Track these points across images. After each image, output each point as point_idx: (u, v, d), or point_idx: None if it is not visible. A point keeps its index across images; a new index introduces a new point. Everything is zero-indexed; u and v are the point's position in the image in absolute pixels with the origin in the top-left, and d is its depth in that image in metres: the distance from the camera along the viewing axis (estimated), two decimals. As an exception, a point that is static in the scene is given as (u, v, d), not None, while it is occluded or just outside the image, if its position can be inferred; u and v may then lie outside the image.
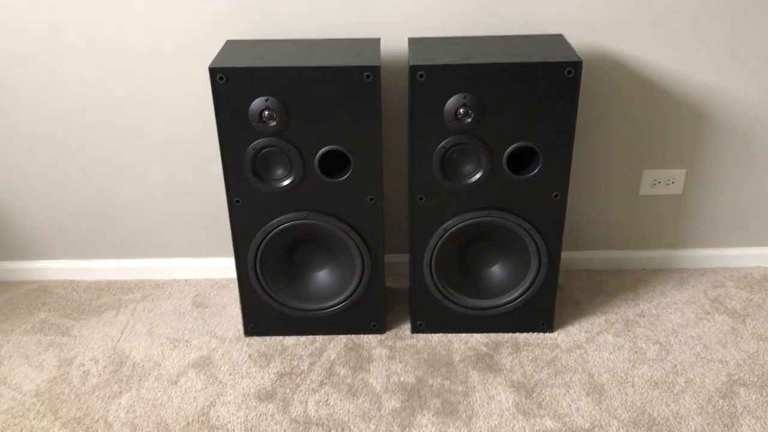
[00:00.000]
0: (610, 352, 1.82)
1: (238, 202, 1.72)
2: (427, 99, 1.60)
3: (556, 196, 1.72)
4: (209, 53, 1.83)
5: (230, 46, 1.72)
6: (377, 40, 1.75)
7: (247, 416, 1.65)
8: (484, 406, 1.66)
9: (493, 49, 1.65)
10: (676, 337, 1.87)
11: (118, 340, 1.91)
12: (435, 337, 1.89)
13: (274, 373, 1.78)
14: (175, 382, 1.76)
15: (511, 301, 1.84)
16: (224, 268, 2.14)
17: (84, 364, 1.83)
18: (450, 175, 1.69)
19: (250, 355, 1.84)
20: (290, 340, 1.89)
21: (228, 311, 2.01)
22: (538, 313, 1.87)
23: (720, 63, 1.85)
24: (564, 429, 1.60)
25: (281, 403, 1.69)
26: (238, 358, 1.83)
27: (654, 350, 1.82)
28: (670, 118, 1.93)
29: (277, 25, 1.81)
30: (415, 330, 1.90)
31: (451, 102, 1.60)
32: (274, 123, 1.62)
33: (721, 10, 1.78)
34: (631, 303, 2.00)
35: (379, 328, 1.90)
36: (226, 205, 2.04)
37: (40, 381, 1.77)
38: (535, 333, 1.89)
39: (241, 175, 1.69)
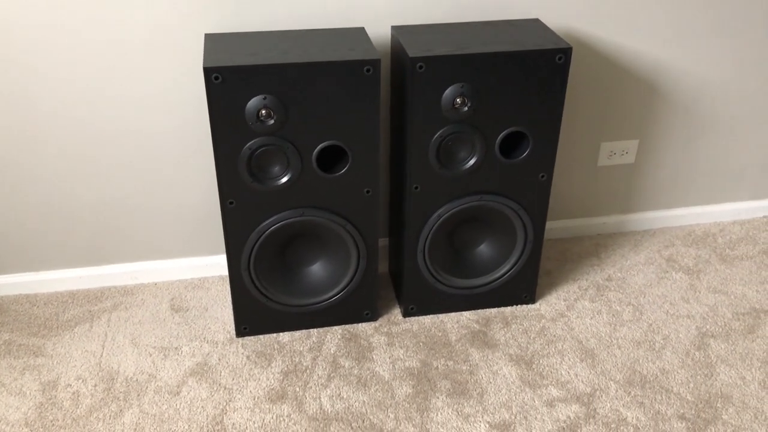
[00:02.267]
0: (591, 318, 1.94)
1: (231, 203, 1.67)
2: (425, 89, 1.61)
3: (542, 176, 1.79)
4: (184, 48, 1.74)
5: (212, 41, 1.64)
6: (362, 29, 1.73)
7: (264, 420, 1.63)
8: (491, 382, 1.74)
9: (484, 37, 1.68)
10: (644, 297, 2.02)
11: (101, 355, 1.81)
12: (427, 319, 1.93)
13: (278, 372, 1.76)
14: (177, 393, 1.70)
15: (499, 278, 1.92)
16: (194, 267, 2.07)
17: (71, 385, 1.72)
18: (445, 163, 1.72)
19: (248, 357, 1.81)
20: (285, 337, 1.87)
21: (211, 313, 1.95)
22: (522, 286, 1.95)
23: (668, 42, 1.98)
24: (569, 396, 1.70)
25: (295, 402, 1.68)
26: (236, 360, 1.79)
27: (628, 312, 1.97)
28: (625, 94, 2.05)
29: (254, 16, 1.74)
30: (407, 314, 1.94)
31: (449, 92, 1.62)
32: (272, 121, 1.57)
33: (673, -10, 1.91)
34: (597, 268, 2.14)
35: (372, 315, 1.91)
36: (193, 203, 1.97)
37: (26, 409, 1.66)
38: (520, 306, 1.98)
39: (235, 176, 1.63)
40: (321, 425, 1.62)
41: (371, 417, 1.64)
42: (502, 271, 1.91)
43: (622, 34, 1.95)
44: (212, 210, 1.99)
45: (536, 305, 1.99)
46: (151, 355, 1.81)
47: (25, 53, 1.69)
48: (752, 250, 2.22)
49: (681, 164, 2.23)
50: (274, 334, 1.88)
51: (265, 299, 1.81)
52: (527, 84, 1.65)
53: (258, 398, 1.69)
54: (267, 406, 1.67)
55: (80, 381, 1.73)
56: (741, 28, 2.01)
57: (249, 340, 1.86)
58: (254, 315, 1.84)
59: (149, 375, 1.75)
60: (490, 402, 1.68)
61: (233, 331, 1.88)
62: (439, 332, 1.89)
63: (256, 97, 1.54)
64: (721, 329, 1.91)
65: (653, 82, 2.05)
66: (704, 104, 2.12)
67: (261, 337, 1.87)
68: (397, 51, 1.69)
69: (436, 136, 1.67)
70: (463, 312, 1.96)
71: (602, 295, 2.03)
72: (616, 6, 1.89)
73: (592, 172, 2.17)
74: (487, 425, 1.63)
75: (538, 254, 1.91)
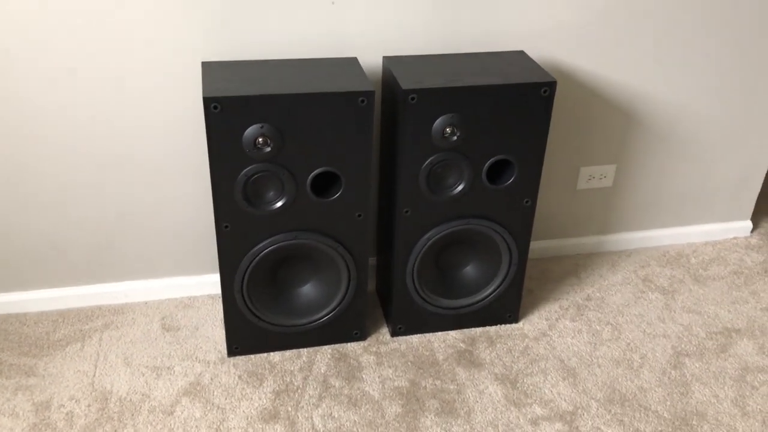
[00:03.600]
0: (572, 337, 2.01)
1: (227, 227, 1.71)
2: (416, 119, 1.67)
3: (526, 202, 1.86)
4: (180, 75, 1.77)
5: (209, 69, 1.68)
6: (354, 59, 1.78)
7: (257, 439, 1.67)
8: (477, 401, 1.80)
9: (472, 69, 1.74)
10: (622, 317, 2.10)
11: (94, 375, 1.83)
12: (414, 339, 1.99)
13: (270, 392, 1.80)
14: (171, 413, 1.73)
15: (484, 299, 1.98)
16: (184, 286, 2.10)
17: (64, 405, 1.74)
18: (434, 188, 1.78)
19: (239, 376, 1.84)
20: (276, 357, 1.91)
21: (202, 332, 1.98)
22: (506, 306, 2.02)
23: (645, 71, 2.07)
24: (552, 414, 1.77)
25: (287, 422, 1.72)
26: (228, 380, 1.83)
27: (608, 331, 2.04)
28: (604, 121, 2.13)
29: (248, 45, 1.78)
30: (395, 333, 1.99)
31: (440, 122, 1.68)
32: (268, 149, 1.62)
33: (647, 25, 1.99)
34: (577, 288, 2.21)
35: (361, 335, 1.96)
36: (184, 223, 2.00)
37: (19, 430, 1.67)
38: (503, 325, 2.05)
39: (231, 201, 1.67)
40: (314, 444, 1.67)
41: (362, 436, 1.69)
42: (488, 292, 1.97)
43: (602, 65, 2.03)
44: (203, 230, 2.02)
45: (519, 324, 2.05)
46: (144, 375, 1.83)
47: (21, 79, 1.71)
48: (723, 270, 2.32)
49: (656, 188, 2.32)
50: (265, 354, 1.91)
51: (257, 320, 1.85)
52: (513, 114, 1.71)
53: (251, 418, 1.72)
54: (260, 426, 1.70)
55: (74, 401, 1.75)
56: (711, 61, 2.10)
57: (240, 359, 1.89)
58: (245, 335, 1.88)
59: (143, 395, 1.78)
60: (477, 421, 1.74)
61: (224, 351, 1.92)
62: (427, 351, 1.95)
63: (253, 126, 1.59)
64: (695, 348, 1.99)
65: (630, 110, 2.13)
66: (678, 131, 2.21)
67: (252, 356, 1.91)
68: (389, 81, 1.75)
69: (426, 163, 1.73)
70: (450, 331, 2.02)
71: (582, 315, 2.10)
72: (596, 39, 1.97)
73: (571, 195, 2.25)
74: (475, 443, 1.69)
75: (522, 275, 1.97)
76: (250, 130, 1.59)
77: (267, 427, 1.70)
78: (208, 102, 1.54)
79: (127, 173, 1.89)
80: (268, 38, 1.79)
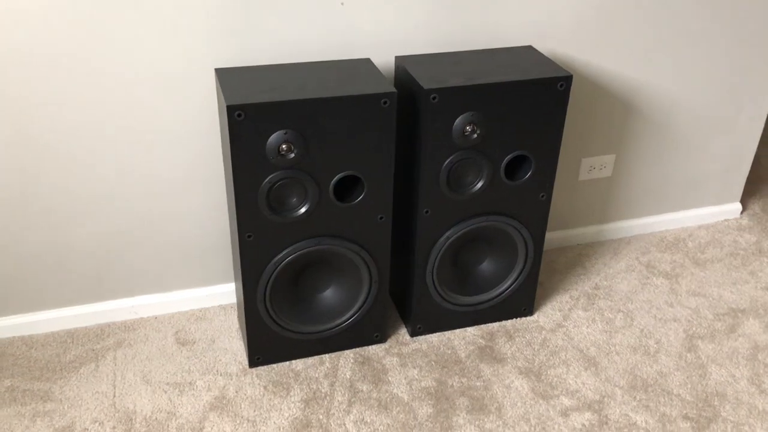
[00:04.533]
0: (587, 327, 2.04)
1: (249, 236, 1.67)
2: (437, 119, 1.66)
3: (542, 196, 1.87)
4: (191, 82, 1.73)
5: (225, 76, 1.64)
6: (368, 60, 1.76)
7: (293, 450, 1.65)
8: (506, 396, 1.81)
9: (487, 66, 1.75)
10: (632, 303, 2.14)
11: (114, 396, 1.77)
12: (434, 338, 1.99)
13: (298, 401, 1.77)
14: (201, 430, 1.69)
15: (501, 294, 1.99)
16: (194, 298, 2.05)
17: (88, 429, 1.68)
18: (454, 187, 1.78)
19: (265, 387, 1.81)
20: (298, 365, 1.88)
21: (219, 344, 1.94)
22: (521, 299, 2.03)
23: (641, 62, 2.11)
24: (580, 404, 1.79)
25: (320, 431, 1.70)
26: (254, 392, 1.80)
27: (620, 318, 2.08)
28: (604, 112, 2.16)
29: (257, 50, 1.75)
30: (415, 333, 1.98)
31: (460, 120, 1.68)
32: (292, 155, 1.59)
33: (642, 17, 2.03)
34: (584, 277, 2.25)
35: (382, 337, 1.95)
36: (193, 234, 1.95)
37: (44, 457, 1.62)
38: (519, 318, 2.06)
39: (254, 209, 1.64)
40: (351, 451, 1.65)
41: (398, 439, 1.68)
42: (504, 287, 1.98)
43: (600, 57, 2.05)
44: (213, 241, 1.98)
45: (534, 317, 2.07)
46: (166, 392, 1.79)
47: (28, 91, 1.65)
48: (720, 252, 2.38)
49: (652, 175, 2.36)
50: (287, 363, 1.89)
51: (280, 329, 1.82)
52: (530, 110, 1.73)
53: (283, 429, 1.70)
54: (294, 436, 1.68)
55: (97, 424, 1.70)
56: (703, 51, 2.15)
57: (262, 369, 1.86)
58: (266, 344, 1.85)
59: (168, 413, 1.73)
60: (509, 416, 1.75)
61: (245, 362, 1.88)
62: (448, 350, 1.95)
63: (277, 132, 1.56)
64: (705, 330, 2.04)
65: (628, 100, 2.17)
66: (672, 118, 2.26)
67: (274, 366, 1.88)
68: (404, 81, 1.74)
69: (446, 162, 1.73)
70: (467, 328, 2.02)
71: (593, 304, 2.13)
72: (594, 32, 2.00)
73: (573, 186, 2.28)
74: (510, 439, 1.70)
75: (537, 269, 1.99)
76: (274, 137, 1.56)
77: (301, 437, 1.68)
78: (232, 110, 1.50)
79: (137, 185, 1.84)
80: (276, 42, 1.75)
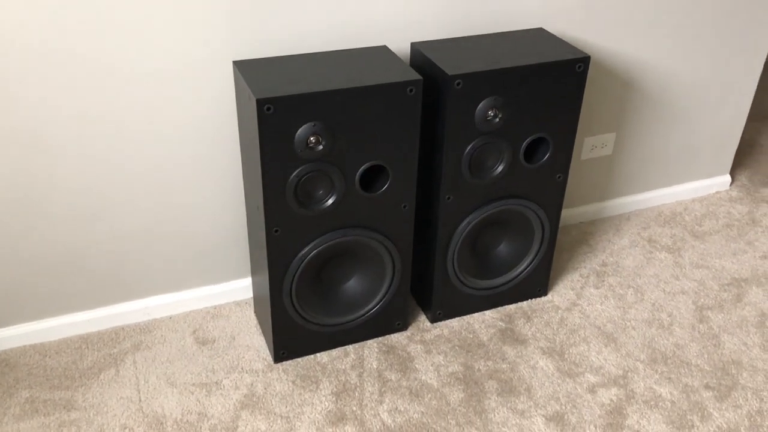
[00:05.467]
0: (601, 304, 2.08)
1: (276, 231, 1.65)
2: (460, 104, 1.66)
3: (559, 177, 1.89)
4: (204, 76, 1.68)
5: (244, 69, 1.60)
6: (385, 48, 1.74)
7: (332, 444, 1.64)
8: (533, 377, 1.83)
9: (504, 50, 1.75)
10: (640, 278, 2.18)
11: (140, 400, 1.73)
12: (454, 323, 1.99)
13: (329, 394, 1.76)
14: (234, 429, 1.66)
15: (518, 275, 2.01)
16: (208, 296, 2.01)
17: (118, 436, 1.65)
18: (475, 172, 1.78)
19: (293, 382, 1.79)
20: (323, 357, 1.87)
21: (239, 341, 1.91)
22: (536, 280, 2.06)
23: (638, 40, 2.14)
24: (606, 380, 1.82)
25: (356, 422, 1.69)
26: (283, 387, 1.78)
27: (631, 294, 2.12)
28: (605, 91, 2.19)
29: (271, 41, 1.71)
30: (435, 319, 1.99)
31: (483, 105, 1.68)
32: (320, 147, 1.57)
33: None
34: (590, 255, 2.28)
35: (403, 325, 1.95)
36: (206, 230, 1.91)
37: (77, 468, 1.57)
38: (535, 299, 2.09)
39: (282, 204, 1.61)
40: (389, 441, 1.65)
41: (434, 426, 1.69)
42: (521, 268, 2.00)
43: (600, 37, 2.08)
44: (225, 237, 1.94)
45: (549, 297, 2.10)
46: (193, 393, 1.75)
47: (38, 86, 1.58)
48: (716, 224, 2.45)
49: (649, 151, 2.41)
50: (312, 356, 1.87)
51: (305, 322, 1.81)
52: (549, 92, 1.73)
53: (318, 423, 1.69)
54: (330, 430, 1.67)
55: (127, 430, 1.66)
56: (697, 28, 2.20)
57: (288, 364, 1.84)
58: (291, 339, 1.83)
59: (199, 414, 1.70)
60: (538, 396, 1.77)
61: (269, 357, 1.86)
62: (470, 334, 1.96)
63: (306, 125, 1.53)
64: (713, 301, 2.10)
65: (627, 79, 2.20)
66: (668, 94, 2.30)
67: (299, 360, 1.86)
68: (423, 67, 1.72)
69: (468, 148, 1.72)
70: (485, 311, 2.03)
71: (603, 281, 2.17)
72: (594, 12, 2.02)
73: (576, 165, 2.31)
74: (543, 418, 1.72)
75: (552, 249, 2.01)
76: (303, 130, 1.53)
77: (337, 430, 1.67)
78: (261, 104, 1.47)
79: (147, 183, 1.79)
80: (289, 32, 1.72)
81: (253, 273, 1.93)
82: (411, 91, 1.59)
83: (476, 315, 2.02)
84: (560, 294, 2.11)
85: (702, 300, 2.10)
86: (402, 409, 1.73)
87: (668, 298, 2.11)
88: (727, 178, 2.63)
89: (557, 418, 1.72)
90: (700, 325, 2.01)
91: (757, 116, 3.09)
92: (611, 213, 2.47)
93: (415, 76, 1.59)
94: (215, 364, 1.84)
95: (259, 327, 1.96)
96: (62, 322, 1.90)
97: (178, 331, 1.94)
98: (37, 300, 1.85)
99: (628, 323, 2.01)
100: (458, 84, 1.62)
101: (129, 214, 1.82)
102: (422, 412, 1.73)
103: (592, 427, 1.70)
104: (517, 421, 1.71)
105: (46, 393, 1.75)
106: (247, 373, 1.82)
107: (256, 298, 1.95)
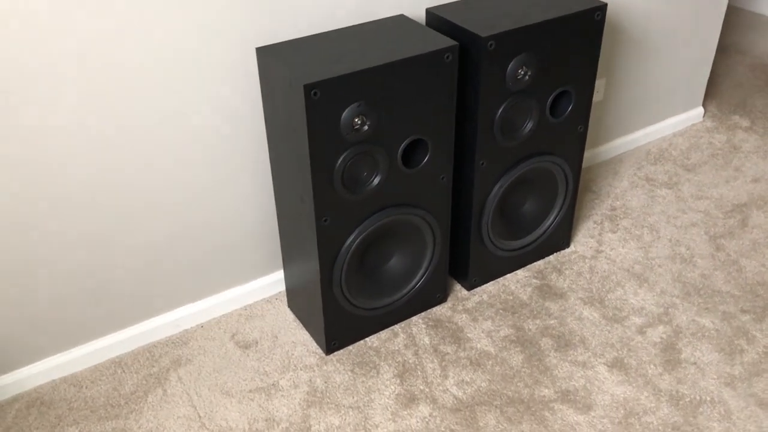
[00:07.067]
0: (622, 247, 2.12)
1: (325, 220, 1.58)
2: (493, 66, 1.63)
3: (580, 128, 1.90)
4: (226, 67, 1.58)
5: (271, 54, 1.51)
6: (403, 16, 1.68)
7: (411, 426, 1.61)
8: (583, 327, 1.85)
9: (521, 6, 1.72)
10: (650, 217, 2.24)
11: (200, 417, 1.64)
12: (490, 287, 1.99)
13: (392, 377, 1.73)
14: (309, 429, 1.61)
15: (546, 231, 2.02)
16: (237, 298, 1.92)
17: (188, 457, 1.56)
18: (506, 133, 1.76)
19: (352, 371, 1.75)
20: (373, 341, 1.83)
21: (283, 338, 1.84)
22: (559, 234, 2.07)
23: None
24: (651, 320, 1.87)
25: (429, 400, 1.67)
26: (343, 378, 1.73)
27: (647, 233, 2.17)
28: (595, 37, 2.21)
29: (286, 23, 1.62)
30: (472, 286, 1.97)
31: (513, 64, 1.65)
32: (366, 128, 1.50)
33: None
34: (597, 201, 2.32)
35: (443, 297, 1.93)
36: (229, 231, 1.82)
37: (156, 498, 1.48)
38: (559, 252, 2.11)
39: (330, 192, 1.54)
40: (467, 414, 1.64)
41: (505, 391, 1.69)
42: (548, 223, 2.01)
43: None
44: (249, 235, 1.85)
45: (572, 248, 2.12)
46: (253, 400, 1.68)
47: (56, 85, 1.44)
48: (702, 155, 2.54)
49: (634, 92, 2.46)
50: (361, 342, 1.83)
51: (354, 308, 1.75)
52: (571, 44, 1.73)
53: (391, 407, 1.65)
54: (405, 413, 1.64)
55: (197, 450, 1.57)
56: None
57: (340, 354, 1.79)
58: (340, 328, 1.78)
59: (266, 420, 1.63)
60: (594, 345, 1.80)
61: (319, 350, 1.80)
62: (509, 296, 1.96)
63: (350, 106, 1.46)
64: (722, 229, 2.18)
65: (615, 24, 2.22)
66: (648, 35, 2.35)
67: (350, 348, 1.81)
68: (447, 32, 1.67)
69: (500, 109, 1.70)
70: (516, 271, 2.04)
71: (618, 225, 2.21)
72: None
73: (572, 115, 2.33)
74: (605, 366, 1.75)
75: (574, 201, 2.03)
76: (348, 111, 1.47)
77: (413, 412, 1.64)
78: (309, 89, 1.39)
79: (167, 190, 1.67)
80: (300, 12, 1.63)
81: (286, 266, 1.85)
82: (448, 57, 1.55)
83: (509, 276, 2.02)
84: (582, 243, 2.14)
85: (712, 229, 2.18)
86: (468, 380, 1.72)
87: (681, 232, 2.18)
88: (701, 110, 2.73)
89: (618, 364, 1.75)
90: (718, 254, 2.09)
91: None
92: (605, 157, 2.52)
93: (450, 42, 1.55)
94: (265, 366, 1.77)
95: (297, 321, 1.89)
96: (90, 348, 1.77)
97: (216, 339, 1.85)
98: (61, 330, 1.71)
99: (653, 261, 2.06)
100: (491, 45, 1.59)
101: (146, 226, 1.70)
102: (489, 379, 1.72)
103: (652, 366, 1.74)
104: (582, 372, 1.73)
105: (96, 426, 1.63)
106: (301, 369, 1.75)
107: (291, 292, 1.88)
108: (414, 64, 1.51)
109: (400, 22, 1.66)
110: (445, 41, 1.55)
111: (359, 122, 1.49)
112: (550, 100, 1.77)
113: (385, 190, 1.63)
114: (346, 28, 1.63)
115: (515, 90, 1.69)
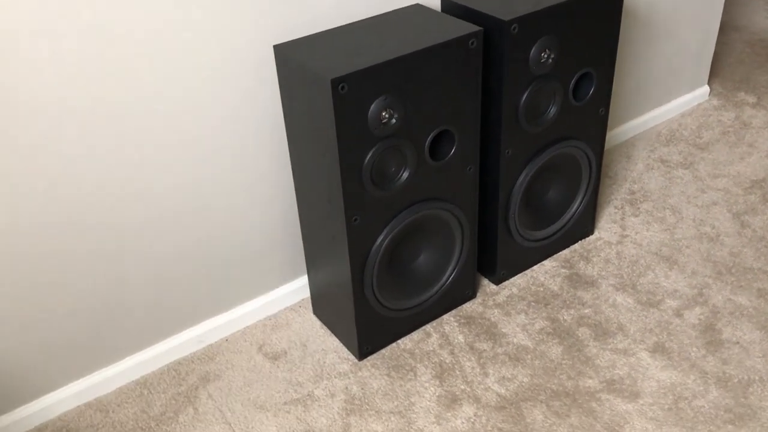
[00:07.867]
0: (647, 230, 2.08)
1: (356, 220, 1.52)
2: (517, 50, 1.58)
3: (601, 111, 1.86)
4: (241, 67, 1.51)
5: (291, 51, 1.45)
6: (419, 5, 1.63)
7: (456, 428, 1.55)
8: (618, 314, 1.81)
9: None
10: (670, 199, 2.20)
11: (236, 433, 1.58)
12: (518, 280, 1.94)
13: (431, 379, 1.67)
14: (351, 438, 1.55)
15: (571, 218, 1.97)
16: (260, 308, 1.85)
17: (229, 477, 1.49)
18: (531, 119, 1.71)
19: (388, 375, 1.69)
20: (406, 343, 1.77)
21: (313, 346, 1.77)
22: (583, 221, 2.03)
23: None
24: (688, 302, 1.83)
25: (471, 400, 1.61)
26: (380, 383, 1.67)
27: (670, 216, 2.14)
28: (603, 20, 2.17)
29: (297, 20, 1.56)
30: (501, 280, 1.92)
31: (537, 47, 1.61)
32: (393, 121, 1.45)
33: None
34: (615, 186, 2.28)
35: (473, 293, 1.87)
36: (249, 240, 1.75)
37: None
38: (584, 239, 2.06)
39: (359, 190, 1.48)
40: (513, 411, 1.58)
41: (548, 385, 1.64)
42: (573, 211, 1.97)
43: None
44: (271, 241, 1.79)
45: (596, 235, 2.08)
46: (289, 412, 1.61)
47: (68, 94, 1.37)
48: (714, 134, 2.51)
49: (642, 74, 2.42)
50: (393, 345, 1.77)
51: (386, 310, 1.70)
52: (591, 25, 1.68)
53: (434, 410, 1.59)
54: (449, 414, 1.58)
55: (236, 468, 1.50)
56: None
57: (374, 359, 1.73)
58: (371, 332, 1.72)
59: (306, 432, 1.57)
60: (633, 331, 1.76)
61: (351, 356, 1.74)
62: (540, 287, 1.91)
63: (377, 100, 1.41)
64: (744, 206, 2.15)
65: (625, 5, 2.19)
66: (654, 14, 2.31)
67: (383, 351, 1.75)
68: (466, 18, 1.62)
69: (525, 95, 1.65)
70: (543, 262, 1.99)
71: (638, 208, 2.17)
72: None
73: (583, 100, 2.29)
74: (647, 352, 1.70)
75: (597, 186, 1.99)
76: (375, 105, 1.41)
77: (457, 413, 1.58)
78: (336, 83, 1.33)
79: (180, 196, 1.61)
80: (314, 8, 1.57)
81: (311, 272, 1.79)
82: (473, 44, 1.49)
83: (536, 267, 1.98)
84: (605, 229, 2.10)
85: (734, 207, 2.15)
86: (509, 376, 1.66)
87: (704, 211, 2.14)
88: (706, 89, 2.70)
89: (660, 349, 1.71)
90: (744, 231, 2.05)
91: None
92: (617, 141, 2.48)
93: (473, 27, 1.50)
94: (298, 376, 1.70)
95: (325, 328, 1.82)
96: (113, 372, 1.69)
97: (243, 352, 1.78)
98: (80, 354, 1.64)
99: (680, 243, 2.02)
100: (514, 29, 1.54)
101: (164, 239, 1.63)
102: (530, 374, 1.67)
103: (694, 349, 1.70)
104: (625, 360, 1.68)
105: (126, 451, 1.56)
106: (336, 377, 1.69)
107: (316, 298, 1.82)
108: (439, 53, 1.45)
109: (417, 11, 1.61)
110: (469, 27, 1.50)
111: (387, 116, 1.43)
112: (573, 82, 1.73)
113: (413, 185, 1.58)
114: (363, 20, 1.58)
115: (539, 74, 1.65)
